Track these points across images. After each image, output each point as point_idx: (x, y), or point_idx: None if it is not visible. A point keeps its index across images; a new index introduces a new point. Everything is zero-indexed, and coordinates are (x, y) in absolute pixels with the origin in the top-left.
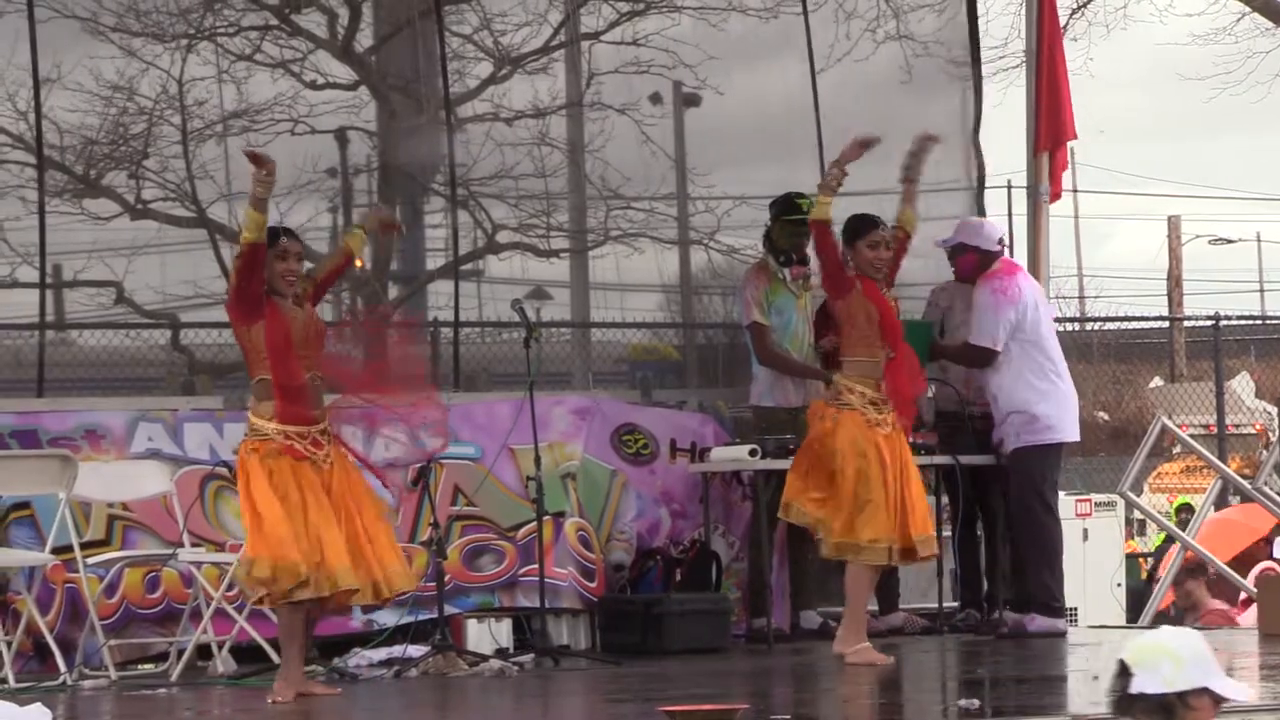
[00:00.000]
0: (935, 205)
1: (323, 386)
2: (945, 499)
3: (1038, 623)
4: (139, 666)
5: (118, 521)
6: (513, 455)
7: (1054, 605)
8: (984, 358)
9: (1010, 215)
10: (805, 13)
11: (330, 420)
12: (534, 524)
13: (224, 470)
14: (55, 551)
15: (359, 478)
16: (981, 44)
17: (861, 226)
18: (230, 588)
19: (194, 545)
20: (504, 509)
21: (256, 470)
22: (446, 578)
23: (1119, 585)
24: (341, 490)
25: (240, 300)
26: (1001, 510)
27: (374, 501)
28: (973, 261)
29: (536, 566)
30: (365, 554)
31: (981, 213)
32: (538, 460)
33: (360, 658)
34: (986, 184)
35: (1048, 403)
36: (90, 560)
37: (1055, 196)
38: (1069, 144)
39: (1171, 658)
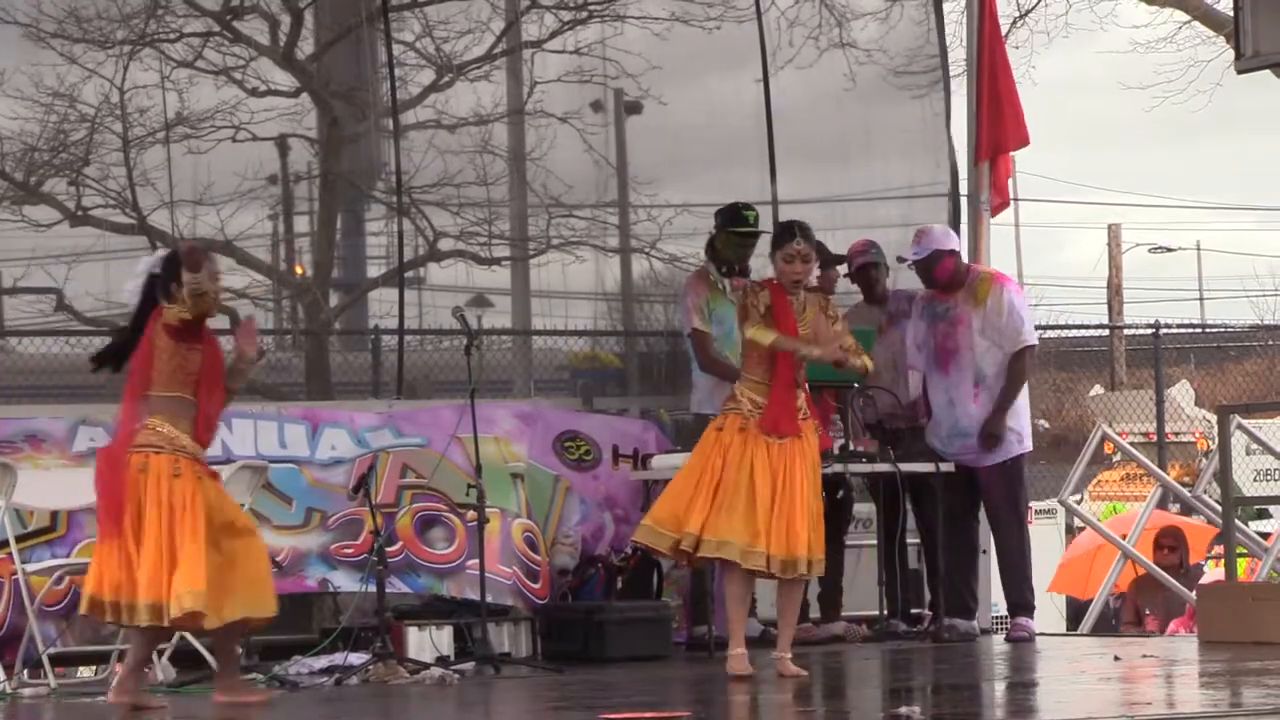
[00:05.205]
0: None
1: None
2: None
3: (1028, 626)
4: (79, 671)
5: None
6: (461, 444)
7: (1033, 607)
8: (1032, 356)
9: (956, 223)
10: (759, 17)
11: None
12: (484, 507)
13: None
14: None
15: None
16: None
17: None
18: None
19: None
20: (456, 486)
21: None
22: (398, 544)
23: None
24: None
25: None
26: (949, 519)
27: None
28: (950, 266)
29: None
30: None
31: (956, 217)
32: (479, 468)
33: (301, 665)
34: (944, 190)
35: (1026, 414)
36: (31, 568)
37: (1003, 205)
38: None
39: None
